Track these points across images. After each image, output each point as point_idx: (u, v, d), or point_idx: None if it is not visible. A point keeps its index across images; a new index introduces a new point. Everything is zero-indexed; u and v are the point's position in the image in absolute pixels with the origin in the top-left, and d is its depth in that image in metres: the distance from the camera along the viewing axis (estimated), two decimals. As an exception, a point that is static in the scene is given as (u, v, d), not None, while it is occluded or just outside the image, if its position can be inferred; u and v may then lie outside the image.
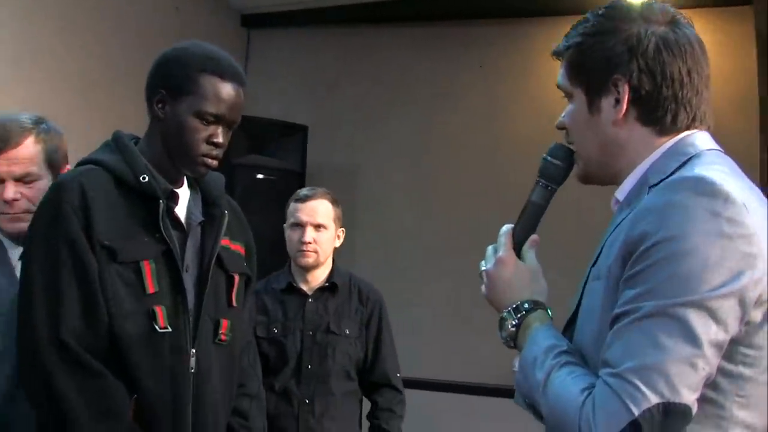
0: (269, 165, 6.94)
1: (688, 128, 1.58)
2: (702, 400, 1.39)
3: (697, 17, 6.53)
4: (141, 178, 2.12)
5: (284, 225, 3.55)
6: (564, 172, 1.71)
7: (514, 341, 1.63)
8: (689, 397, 1.35)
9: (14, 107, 5.94)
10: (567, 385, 1.45)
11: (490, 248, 1.73)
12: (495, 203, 7.30)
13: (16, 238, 2.32)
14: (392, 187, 7.71)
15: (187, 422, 2.13)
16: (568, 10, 7.14)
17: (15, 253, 2.31)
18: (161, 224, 2.11)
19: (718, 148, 1.58)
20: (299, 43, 7.94)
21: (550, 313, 1.65)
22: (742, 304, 1.37)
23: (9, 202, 2.31)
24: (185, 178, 2.24)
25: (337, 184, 7.96)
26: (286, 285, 3.54)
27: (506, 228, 1.72)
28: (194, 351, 2.15)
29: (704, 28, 6.49)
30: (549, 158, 1.72)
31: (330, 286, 3.49)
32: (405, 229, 7.59)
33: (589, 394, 1.40)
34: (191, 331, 2.16)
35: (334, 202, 3.54)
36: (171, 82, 2.16)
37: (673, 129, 1.58)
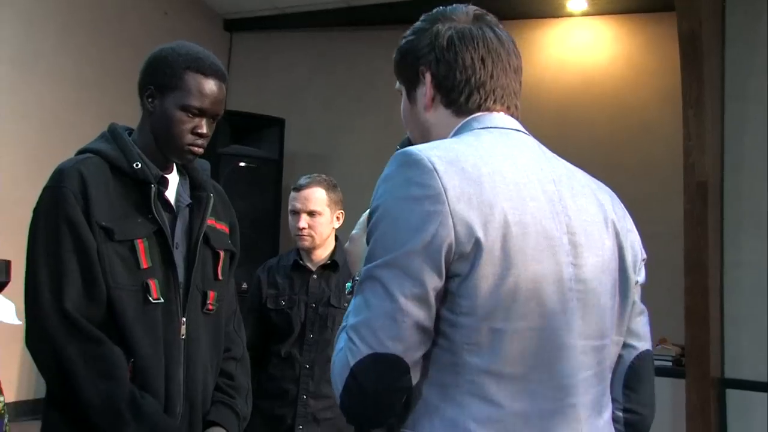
0: (250, 154, 6.95)
1: (480, 108, 1.57)
2: (438, 348, 1.39)
3: (628, 22, 6.63)
4: (134, 165, 2.12)
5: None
6: None
7: None
8: (395, 347, 1.33)
9: (16, 105, 5.97)
10: (338, 345, 1.43)
11: (354, 229, 1.73)
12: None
13: None
14: (359, 172, 7.71)
15: (179, 383, 2.13)
16: (519, 15, 7.18)
17: None
18: (153, 206, 2.11)
19: (506, 126, 1.57)
20: (277, 45, 7.93)
21: None
22: (431, 257, 1.34)
23: None
24: (174, 165, 2.24)
25: (311, 170, 7.95)
26: (293, 262, 3.58)
27: (367, 213, 1.68)
28: (184, 319, 2.15)
29: (635, 31, 6.59)
30: (399, 148, 1.68)
31: (332, 264, 3.50)
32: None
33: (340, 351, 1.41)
34: (182, 302, 2.15)
35: (330, 188, 3.53)
36: (159, 79, 2.15)
37: (467, 109, 1.57)
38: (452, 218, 1.35)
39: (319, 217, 3.45)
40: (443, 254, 1.35)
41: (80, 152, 2.18)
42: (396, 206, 1.38)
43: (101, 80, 6.45)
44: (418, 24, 1.65)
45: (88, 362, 1.99)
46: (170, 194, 2.20)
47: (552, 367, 1.41)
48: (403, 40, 1.65)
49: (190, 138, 2.14)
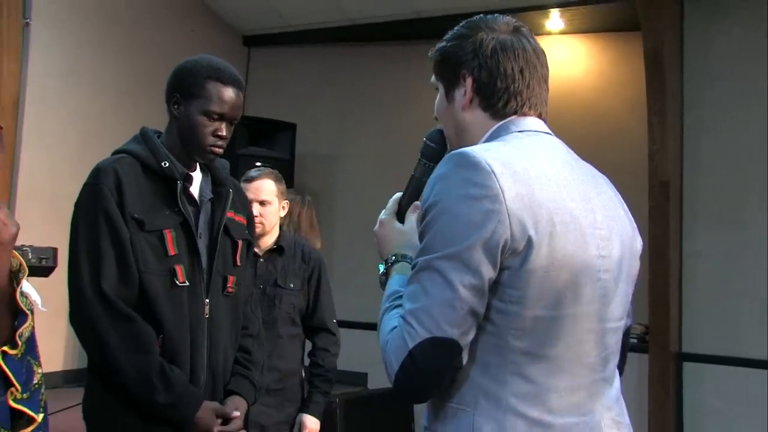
0: (265, 155, 6.94)
1: (516, 113, 1.54)
2: (485, 333, 1.39)
3: (600, 40, 6.60)
4: (162, 164, 2.11)
5: None
6: (439, 153, 1.66)
7: (384, 287, 1.60)
8: (452, 332, 1.34)
9: (62, 112, 5.99)
10: (386, 324, 1.43)
11: (382, 213, 1.69)
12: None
13: None
14: (364, 172, 7.73)
15: (203, 357, 2.13)
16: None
17: None
18: (179, 200, 2.11)
19: (539, 129, 1.55)
20: (289, 59, 7.92)
21: None
22: (489, 252, 1.34)
23: None
24: (197, 163, 2.23)
25: (320, 170, 7.99)
26: None
27: (396, 196, 1.69)
28: (207, 301, 2.14)
29: (606, 48, 6.57)
30: (427, 141, 1.69)
31: (277, 249, 3.38)
32: (376, 205, 7.56)
33: (393, 332, 1.39)
34: (205, 285, 2.15)
35: (278, 180, 3.42)
36: (184, 87, 2.14)
37: (504, 114, 1.54)
38: (509, 217, 1.35)
39: (269, 206, 3.33)
40: (500, 249, 1.35)
41: (115, 153, 2.18)
42: (456, 204, 1.36)
43: (135, 90, 6.45)
44: (459, 30, 1.59)
45: (123, 338, 1.99)
46: (194, 190, 2.19)
47: (581, 348, 1.42)
48: (445, 43, 1.60)
49: (211, 140, 2.13)
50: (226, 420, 2.12)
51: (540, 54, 1.58)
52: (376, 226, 1.68)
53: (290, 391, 3.31)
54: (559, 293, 1.38)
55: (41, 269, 4.42)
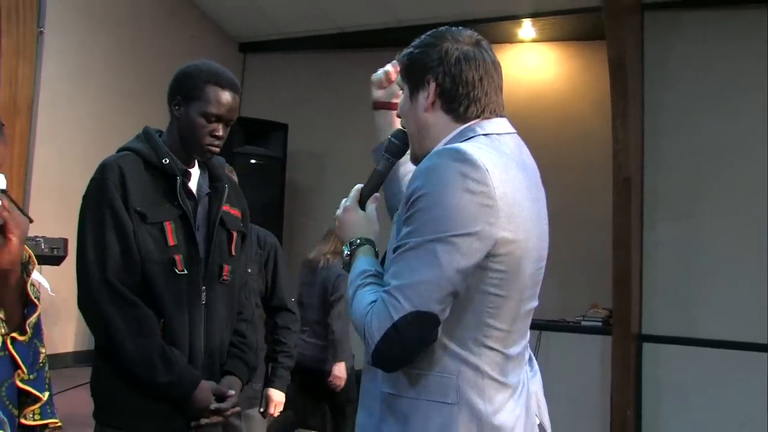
0: (260, 153, 6.93)
1: (477, 118, 1.57)
2: (464, 311, 1.45)
3: (569, 48, 6.60)
4: (163, 161, 2.09)
5: None
6: (401, 150, 1.70)
7: (348, 267, 1.63)
8: (436, 308, 1.39)
9: (71, 113, 5.97)
10: (362, 298, 1.47)
11: (343, 201, 1.72)
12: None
13: None
14: (351, 170, 7.71)
15: (201, 340, 2.11)
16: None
17: None
18: (178, 195, 2.08)
19: (503, 131, 1.58)
20: (282, 64, 7.90)
21: (376, 248, 1.65)
22: (482, 240, 1.40)
23: None
24: (196, 161, 2.21)
25: (310, 168, 7.98)
26: None
27: (357, 186, 1.72)
28: (204, 288, 2.12)
29: (574, 56, 6.57)
30: (392, 139, 1.71)
31: None
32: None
33: (373, 305, 1.43)
34: (202, 274, 2.12)
35: (231, 172, 3.38)
36: (184, 90, 2.11)
37: (465, 117, 1.57)
38: (500, 212, 1.41)
39: None
40: (491, 240, 1.41)
41: (120, 150, 2.15)
42: (453, 195, 1.40)
43: (139, 91, 6.46)
44: (426, 38, 1.62)
45: (127, 321, 1.97)
46: (193, 185, 2.17)
47: (524, 324, 1.55)
48: (413, 50, 1.62)
49: (209, 139, 2.11)
50: (222, 398, 2.11)
51: (497, 66, 1.62)
52: (339, 212, 1.70)
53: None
54: (520, 280, 1.48)
55: (53, 258, 4.40)
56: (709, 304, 5.71)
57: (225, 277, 2.20)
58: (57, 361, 5.15)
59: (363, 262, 1.58)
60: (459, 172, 1.41)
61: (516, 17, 6.74)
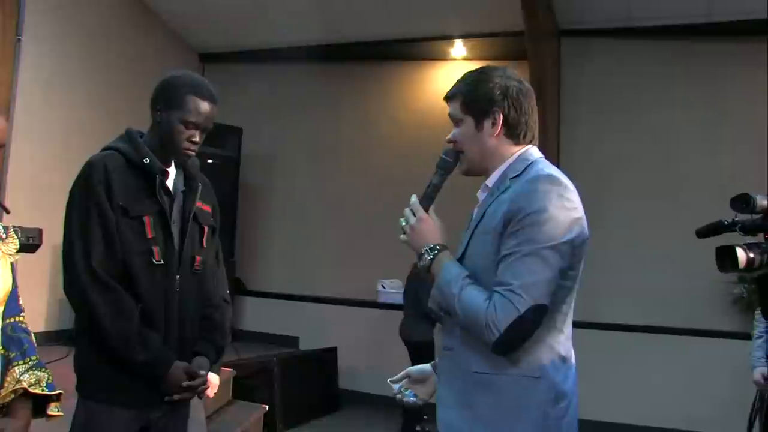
0: (216, 153, 6.84)
1: (529, 143, 1.75)
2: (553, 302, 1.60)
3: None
4: (144, 160, 2.08)
5: None
6: (452, 166, 1.79)
7: (428, 269, 1.71)
8: (548, 300, 1.56)
9: (48, 113, 5.85)
10: (475, 296, 1.58)
11: (407, 210, 1.77)
12: (368, 185, 7.41)
13: None
14: (299, 170, 7.73)
15: (174, 323, 2.11)
16: (414, 57, 7.25)
17: None
18: (157, 192, 2.07)
19: (540, 156, 1.75)
20: (237, 73, 7.85)
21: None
22: (573, 247, 1.59)
23: None
24: (173, 161, 2.19)
25: (262, 168, 7.93)
26: None
27: (414, 198, 1.79)
28: (178, 277, 2.11)
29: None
30: (444, 156, 1.80)
31: None
32: (307, 198, 7.60)
33: (490, 301, 1.54)
34: (177, 263, 2.12)
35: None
36: (167, 98, 2.10)
37: (523, 142, 1.74)
38: (584, 220, 1.62)
39: None
40: (582, 241, 1.61)
41: (105, 149, 2.13)
42: (557, 212, 1.57)
43: (107, 95, 6.49)
44: (476, 76, 1.76)
45: (109, 305, 1.96)
46: (170, 183, 2.16)
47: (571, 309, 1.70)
48: (467, 86, 1.75)
49: (186, 144, 2.11)
50: (193, 376, 2.11)
51: (534, 94, 1.77)
52: (413, 221, 1.75)
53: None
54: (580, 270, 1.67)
55: (29, 246, 4.28)
56: (611, 292, 5.93)
57: (197, 267, 2.19)
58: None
59: (454, 265, 1.67)
60: (558, 193, 1.58)
61: (449, 37, 6.83)
